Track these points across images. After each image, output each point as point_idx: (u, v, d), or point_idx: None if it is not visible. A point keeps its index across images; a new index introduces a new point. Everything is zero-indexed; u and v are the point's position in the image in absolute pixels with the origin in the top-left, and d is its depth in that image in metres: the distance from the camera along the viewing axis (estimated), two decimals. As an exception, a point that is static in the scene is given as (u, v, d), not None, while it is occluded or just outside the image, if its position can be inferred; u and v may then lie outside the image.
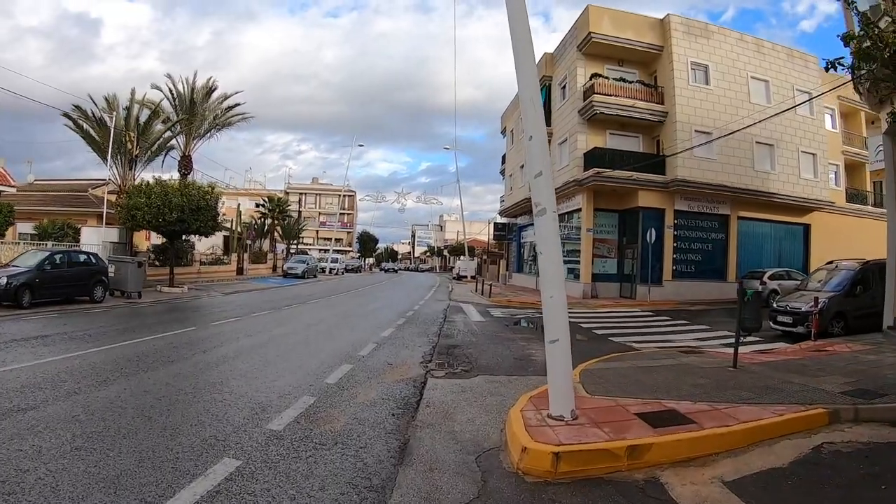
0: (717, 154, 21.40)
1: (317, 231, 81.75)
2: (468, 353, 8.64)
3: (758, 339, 11.77)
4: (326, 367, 7.00)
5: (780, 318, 11.89)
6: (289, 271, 36.17)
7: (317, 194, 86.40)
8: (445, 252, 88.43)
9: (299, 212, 66.54)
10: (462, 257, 52.21)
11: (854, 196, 26.58)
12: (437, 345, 9.47)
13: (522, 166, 30.26)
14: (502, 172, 38.93)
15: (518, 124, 32.11)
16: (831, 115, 26.09)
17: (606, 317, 15.81)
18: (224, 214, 30.21)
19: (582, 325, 13.63)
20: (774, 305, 12.48)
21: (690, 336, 11.97)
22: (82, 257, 15.77)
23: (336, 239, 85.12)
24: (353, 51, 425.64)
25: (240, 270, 34.95)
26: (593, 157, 20.86)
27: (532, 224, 31.39)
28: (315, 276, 38.63)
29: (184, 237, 25.00)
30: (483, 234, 57.61)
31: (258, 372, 6.65)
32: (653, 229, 19.37)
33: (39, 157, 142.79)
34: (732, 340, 11.95)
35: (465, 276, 42.88)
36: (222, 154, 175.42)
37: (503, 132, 38.05)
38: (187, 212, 20.03)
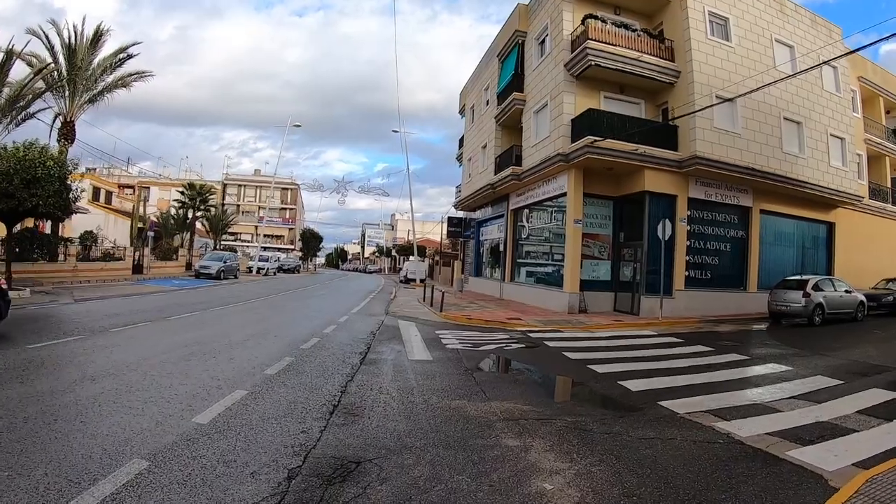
0: (742, 128, 16.67)
1: (256, 227, 73.79)
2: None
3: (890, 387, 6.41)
4: None
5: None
6: (201, 271, 29.85)
7: (257, 186, 78.11)
8: (394, 252, 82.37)
9: (225, 203, 59.08)
10: (411, 257, 46.22)
11: (876, 192, 22.69)
12: (310, 456, 3.68)
13: (484, 146, 24.83)
14: (459, 158, 33.35)
15: (479, 99, 26.70)
16: (853, 99, 22.09)
17: (616, 346, 10.43)
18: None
19: (589, 364, 8.19)
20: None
21: (783, 391, 6.57)
22: None
23: (276, 236, 77.62)
24: (318, 51, 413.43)
25: (138, 268, 28.20)
26: (586, 124, 15.47)
27: (495, 218, 26.13)
28: (235, 277, 32.44)
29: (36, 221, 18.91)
30: (435, 233, 52.10)
31: None
32: (667, 220, 14.27)
33: None
34: (866, 400, 5.99)
35: (414, 280, 37.02)
36: (179, 150, 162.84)
37: (461, 111, 32.45)
38: (16, 183, 14.36)
